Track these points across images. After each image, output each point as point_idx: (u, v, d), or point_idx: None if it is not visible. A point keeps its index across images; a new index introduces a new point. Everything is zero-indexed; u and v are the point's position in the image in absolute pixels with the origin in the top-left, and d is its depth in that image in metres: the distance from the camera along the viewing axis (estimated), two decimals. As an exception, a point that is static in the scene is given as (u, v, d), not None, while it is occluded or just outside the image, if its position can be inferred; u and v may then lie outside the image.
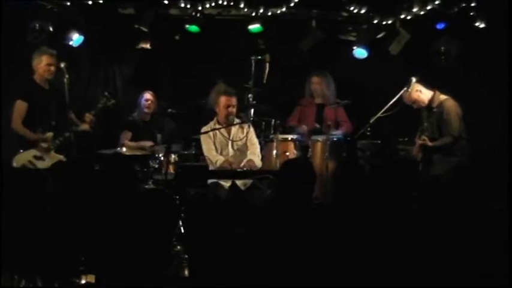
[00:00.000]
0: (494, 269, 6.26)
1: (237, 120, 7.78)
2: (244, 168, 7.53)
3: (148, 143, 8.34)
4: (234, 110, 7.66)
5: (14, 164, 7.33)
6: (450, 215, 7.14)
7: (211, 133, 7.66)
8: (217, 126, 7.68)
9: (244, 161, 7.64)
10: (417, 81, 7.68)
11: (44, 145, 7.43)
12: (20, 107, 7.47)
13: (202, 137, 7.72)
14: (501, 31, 8.00)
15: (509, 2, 7.73)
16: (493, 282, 6.04)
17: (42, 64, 7.58)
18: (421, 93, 7.73)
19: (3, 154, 7.63)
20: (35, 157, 7.40)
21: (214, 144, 7.70)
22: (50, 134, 7.46)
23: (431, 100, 7.70)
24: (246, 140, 7.77)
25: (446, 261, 6.45)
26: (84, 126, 7.77)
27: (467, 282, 5.99)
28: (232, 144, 7.73)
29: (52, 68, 7.61)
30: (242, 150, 7.76)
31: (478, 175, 7.70)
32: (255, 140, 7.84)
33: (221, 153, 7.69)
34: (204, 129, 7.73)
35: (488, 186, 7.69)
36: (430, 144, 7.47)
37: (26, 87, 7.62)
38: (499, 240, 6.81)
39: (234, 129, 7.77)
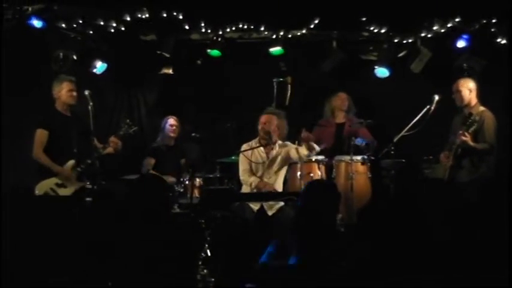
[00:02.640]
0: (494, 269, 6.24)
1: (279, 142, 7.78)
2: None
3: (172, 179, 8.30)
4: (271, 127, 7.66)
5: (37, 192, 7.36)
6: (468, 225, 7.14)
7: (248, 152, 7.69)
8: (258, 145, 7.70)
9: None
10: (475, 82, 7.69)
11: (65, 176, 7.45)
12: (41, 135, 7.46)
13: (240, 156, 7.77)
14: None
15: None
16: (493, 282, 6.01)
17: (64, 91, 7.57)
18: (470, 93, 7.64)
19: (26, 182, 7.64)
20: (57, 184, 7.42)
21: (251, 164, 7.71)
22: (71, 162, 7.48)
23: (472, 106, 7.65)
24: (287, 156, 7.75)
25: (451, 262, 6.46)
26: (109, 150, 7.72)
27: (467, 282, 5.97)
28: (269, 164, 7.71)
29: (74, 94, 7.60)
30: (280, 171, 7.76)
31: (497, 190, 7.68)
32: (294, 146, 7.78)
33: (256, 173, 7.70)
34: (244, 147, 7.78)
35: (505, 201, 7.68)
36: (471, 143, 7.36)
37: (47, 115, 7.60)
38: (500, 241, 6.80)
39: (275, 151, 7.75)
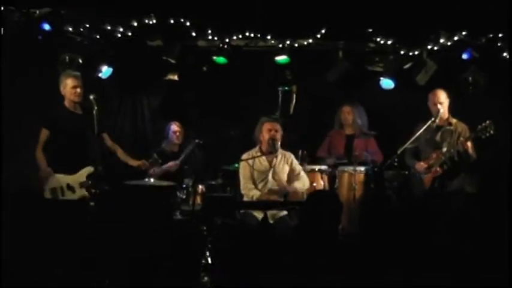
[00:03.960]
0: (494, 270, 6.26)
1: (280, 150, 7.71)
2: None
3: (172, 163, 8.33)
4: (278, 135, 7.61)
5: (48, 184, 7.37)
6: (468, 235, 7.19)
7: (250, 162, 7.63)
8: (259, 154, 7.64)
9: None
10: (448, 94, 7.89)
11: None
12: (42, 135, 7.50)
13: (241, 167, 7.71)
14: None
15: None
16: (493, 283, 6.03)
17: (68, 88, 7.56)
18: (446, 105, 7.87)
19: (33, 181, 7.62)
20: (68, 186, 7.40)
21: (253, 174, 7.65)
22: (88, 169, 7.45)
23: (447, 117, 7.84)
24: (290, 170, 7.74)
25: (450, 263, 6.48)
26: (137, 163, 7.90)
27: (467, 282, 5.99)
28: (273, 173, 7.66)
29: (78, 90, 7.56)
30: (283, 179, 7.68)
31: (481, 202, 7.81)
32: (299, 168, 7.79)
33: (260, 183, 7.63)
34: (244, 157, 7.69)
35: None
36: (470, 152, 7.48)
37: (51, 114, 7.59)
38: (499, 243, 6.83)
39: (276, 158, 7.69)
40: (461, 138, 7.52)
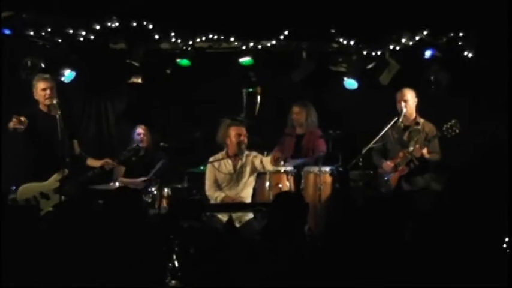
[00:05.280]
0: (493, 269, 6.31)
1: (246, 152, 7.76)
2: None
3: (139, 180, 8.26)
4: (246, 139, 7.65)
5: (18, 195, 7.27)
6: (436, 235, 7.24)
7: (215, 165, 7.68)
8: (224, 156, 7.69)
9: None
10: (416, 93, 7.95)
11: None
12: None
13: (207, 171, 7.77)
14: (489, 61, 8.09)
15: (499, 32, 7.85)
16: (493, 283, 6.08)
17: (39, 90, 7.48)
18: (413, 104, 7.91)
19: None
20: (41, 194, 7.33)
21: (217, 177, 7.70)
22: (59, 175, 7.37)
23: (414, 117, 7.91)
24: (253, 168, 7.77)
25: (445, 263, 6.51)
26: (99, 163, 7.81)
27: (467, 282, 6.03)
28: (237, 175, 7.71)
29: (48, 92, 7.44)
30: (248, 181, 7.76)
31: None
32: (259, 158, 7.78)
33: (226, 187, 7.68)
34: (211, 159, 7.76)
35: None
36: (427, 156, 7.56)
37: (27, 114, 7.40)
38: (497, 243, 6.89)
39: (241, 161, 7.74)
40: (417, 146, 7.60)
